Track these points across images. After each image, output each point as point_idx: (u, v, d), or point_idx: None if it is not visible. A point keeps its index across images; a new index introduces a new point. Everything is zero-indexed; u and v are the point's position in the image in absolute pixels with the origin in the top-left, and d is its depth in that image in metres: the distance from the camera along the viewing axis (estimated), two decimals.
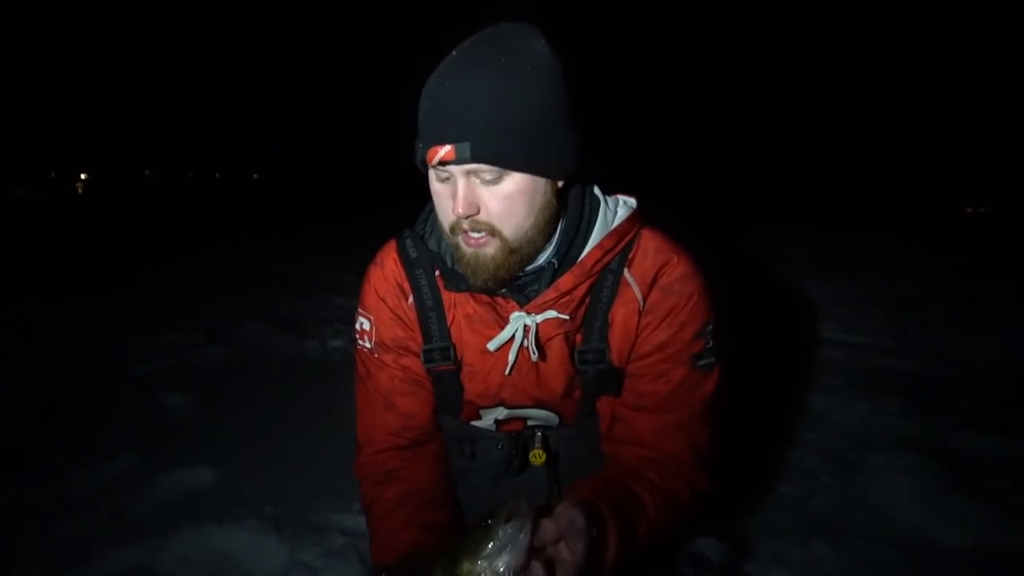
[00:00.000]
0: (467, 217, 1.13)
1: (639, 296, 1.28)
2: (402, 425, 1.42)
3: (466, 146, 1.06)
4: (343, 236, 12.20)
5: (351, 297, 6.16)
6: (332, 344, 4.73)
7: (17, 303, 6.04)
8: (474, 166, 1.09)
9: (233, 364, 4.35)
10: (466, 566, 0.82)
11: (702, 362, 1.29)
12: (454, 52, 1.13)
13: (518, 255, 1.18)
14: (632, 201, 1.34)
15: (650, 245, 1.31)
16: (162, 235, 12.58)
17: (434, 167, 1.14)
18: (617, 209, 1.32)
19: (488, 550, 0.82)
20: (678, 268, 1.29)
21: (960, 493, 2.48)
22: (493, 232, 1.15)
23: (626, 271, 1.28)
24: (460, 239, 1.18)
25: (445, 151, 1.08)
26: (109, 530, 2.41)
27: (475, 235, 1.15)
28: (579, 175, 1.24)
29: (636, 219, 1.31)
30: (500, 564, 0.82)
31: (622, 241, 1.27)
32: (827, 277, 6.87)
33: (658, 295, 1.28)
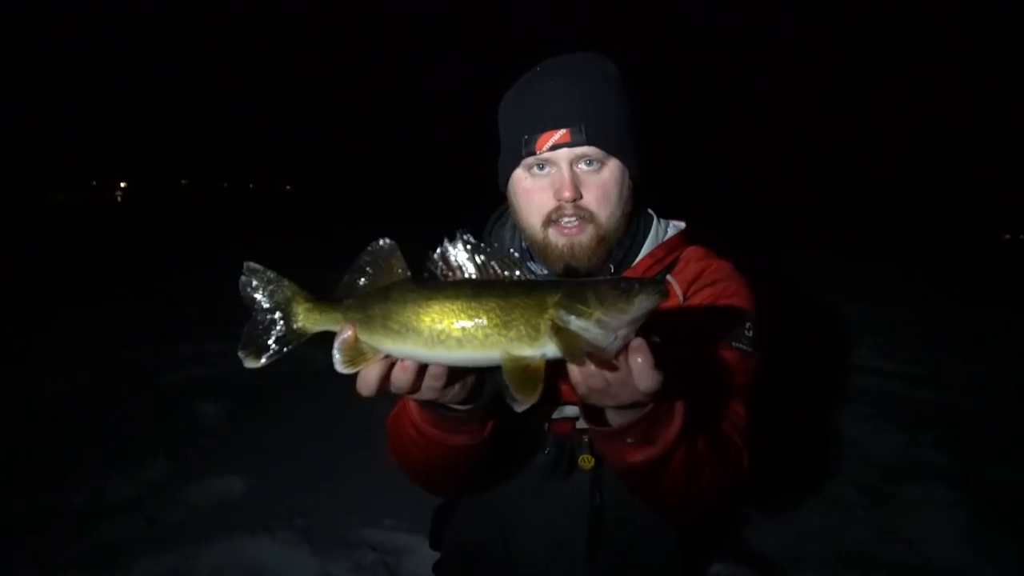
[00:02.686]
0: (572, 201, 1.21)
1: (679, 293, 1.33)
2: None
3: (581, 129, 1.19)
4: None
5: None
6: None
7: (56, 308, 6.20)
8: (581, 151, 1.20)
9: (264, 374, 4.34)
10: (587, 308, 0.81)
11: (737, 344, 1.30)
12: (539, 66, 1.26)
13: (605, 245, 1.26)
14: (681, 224, 1.43)
15: (694, 255, 1.39)
16: (196, 242, 12.81)
17: (540, 156, 1.22)
18: (668, 229, 1.41)
19: (615, 309, 0.81)
20: (720, 268, 1.36)
21: (997, 530, 2.43)
22: (591, 218, 1.23)
23: (669, 276, 1.35)
24: (552, 231, 1.25)
25: (560, 135, 1.19)
26: (143, 536, 2.46)
27: (571, 223, 1.23)
28: (644, 185, 1.33)
29: (685, 237, 1.40)
30: (615, 330, 0.82)
31: (672, 254, 1.36)
32: (860, 303, 6.77)
33: (698, 288, 1.34)
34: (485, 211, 1.48)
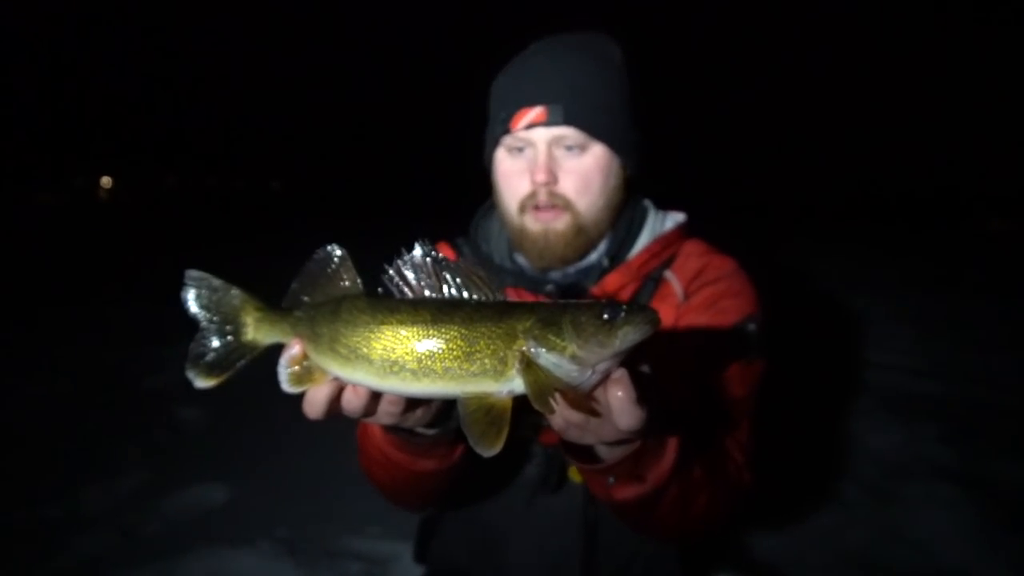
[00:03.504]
0: (545, 185, 1.13)
1: (679, 291, 1.25)
2: None
3: (559, 108, 1.09)
4: (358, 246, 12.20)
5: None
6: None
7: (33, 310, 6.05)
8: (560, 132, 1.11)
9: (250, 377, 4.26)
10: (561, 341, 0.69)
11: (740, 350, 1.22)
12: (536, 43, 1.19)
13: (584, 235, 1.18)
14: (680, 216, 1.34)
15: (695, 250, 1.30)
16: (181, 242, 12.65)
17: (516, 134, 1.14)
18: (666, 221, 1.32)
19: (594, 342, 0.69)
20: (722, 265, 1.28)
21: (1004, 527, 2.37)
22: (568, 206, 1.14)
23: (667, 271, 1.27)
24: (528, 217, 1.17)
25: (536, 112, 1.10)
26: (120, 549, 2.36)
27: (547, 209, 1.14)
28: (639, 178, 1.25)
29: (683, 230, 1.31)
30: (593, 364, 0.70)
31: (669, 248, 1.27)
32: (851, 293, 6.72)
33: (699, 285, 1.26)
34: (476, 205, 1.40)
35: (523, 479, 1.36)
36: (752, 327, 1.23)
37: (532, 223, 1.16)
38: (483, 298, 0.75)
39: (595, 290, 1.21)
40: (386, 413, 0.81)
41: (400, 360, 0.72)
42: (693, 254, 1.29)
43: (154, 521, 2.54)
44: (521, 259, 1.29)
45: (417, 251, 0.76)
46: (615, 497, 0.95)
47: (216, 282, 0.83)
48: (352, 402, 0.78)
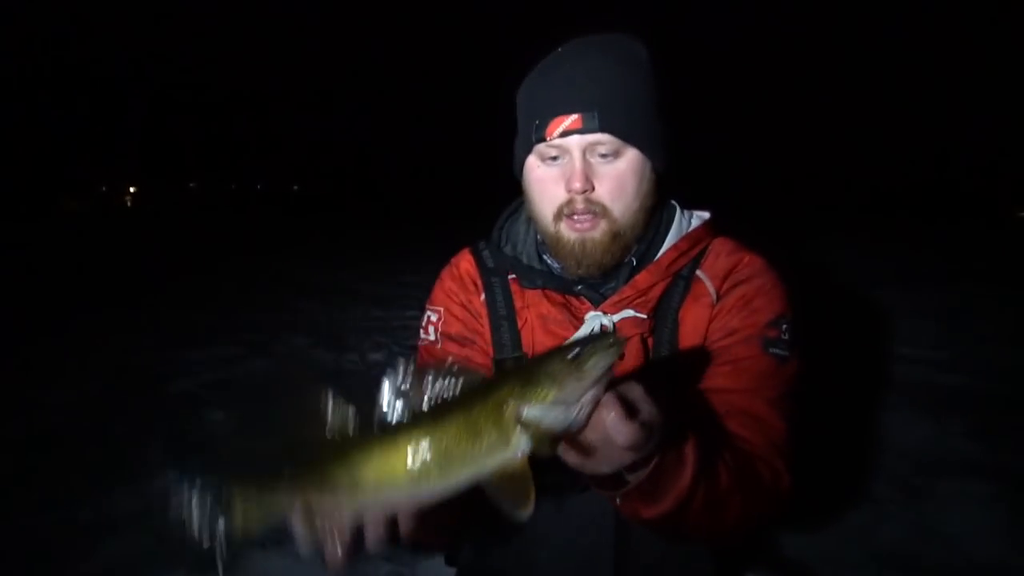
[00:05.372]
0: (582, 193, 1.14)
1: (711, 291, 1.26)
2: None
3: (594, 115, 1.10)
4: (379, 248, 12.30)
5: (389, 309, 6.17)
6: (372, 357, 4.71)
7: (62, 315, 6.19)
8: (594, 138, 1.12)
9: (274, 378, 4.35)
10: (541, 391, 0.76)
11: (774, 350, 1.22)
12: (560, 47, 1.18)
13: (621, 241, 1.19)
14: (706, 214, 1.35)
15: (723, 248, 1.31)
16: (205, 247, 12.84)
17: (551, 142, 1.15)
18: (692, 220, 1.33)
19: (569, 381, 0.76)
20: (752, 263, 1.28)
21: None
22: (604, 212, 1.15)
23: (699, 271, 1.28)
24: (564, 225, 1.18)
25: (571, 120, 1.11)
26: (152, 552, 2.39)
27: (584, 217, 1.15)
28: (669, 176, 1.25)
29: (710, 227, 1.32)
30: (578, 399, 0.77)
31: (697, 245, 1.27)
32: (879, 287, 6.64)
33: (731, 284, 1.26)
34: (500, 209, 1.43)
35: (552, 481, 1.36)
36: (785, 326, 1.23)
37: (568, 232, 1.18)
38: (462, 385, 0.80)
39: (627, 289, 1.22)
40: (408, 534, 0.83)
41: (425, 467, 0.76)
42: (722, 252, 1.30)
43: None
44: (549, 259, 1.30)
45: (389, 381, 0.80)
46: (642, 515, 0.97)
47: (197, 480, 0.84)
48: (375, 532, 0.80)
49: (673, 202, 1.35)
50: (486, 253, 1.40)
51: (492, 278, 1.37)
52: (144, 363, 4.65)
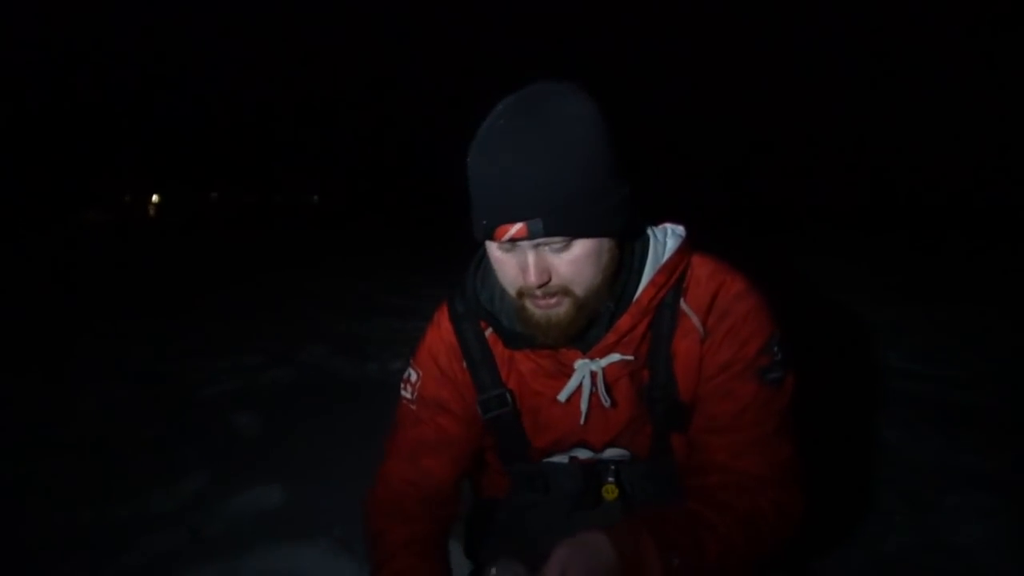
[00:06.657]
0: (540, 286, 1.14)
1: (698, 325, 1.27)
2: (420, 478, 1.46)
3: (538, 223, 1.07)
4: (398, 258, 12.45)
5: (408, 320, 6.30)
6: (392, 366, 4.81)
7: (92, 325, 6.38)
8: (543, 240, 1.10)
9: (298, 386, 4.48)
10: None
11: (770, 376, 1.24)
12: (496, 120, 1.12)
13: (587, 310, 1.19)
14: (680, 229, 1.33)
15: (702, 272, 1.30)
16: (227, 258, 13.05)
17: (501, 243, 1.14)
18: (666, 241, 1.31)
19: None
20: (733, 287, 1.28)
21: None
22: (566, 292, 1.15)
23: (682, 302, 1.28)
24: (528, 302, 1.18)
25: (516, 229, 1.08)
26: (188, 548, 2.51)
27: (547, 300, 1.16)
28: (633, 222, 1.24)
29: (686, 249, 1.30)
30: None
31: (674, 275, 1.27)
32: (890, 304, 6.66)
33: (716, 318, 1.27)
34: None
35: (563, 492, 1.45)
36: (775, 348, 1.26)
37: (532, 308, 1.18)
38: None
39: (610, 336, 1.24)
40: None
41: None
42: (702, 277, 1.30)
43: (217, 521, 2.69)
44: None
45: None
46: None
47: None
48: None
49: (647, 229, 1.32)
50: (458, 300, 1.39)
51: (463, 324, 1.38)
52: (172, 371, 4.80)
